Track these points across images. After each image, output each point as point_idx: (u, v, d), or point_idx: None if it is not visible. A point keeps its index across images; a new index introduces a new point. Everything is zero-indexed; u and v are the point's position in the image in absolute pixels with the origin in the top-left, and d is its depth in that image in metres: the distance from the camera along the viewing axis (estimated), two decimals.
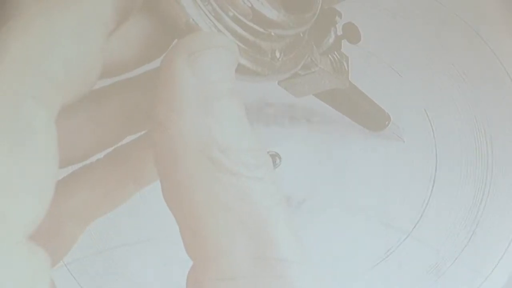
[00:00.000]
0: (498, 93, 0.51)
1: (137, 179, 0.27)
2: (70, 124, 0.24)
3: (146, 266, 0.47)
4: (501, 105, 0.51)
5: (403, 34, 0.53)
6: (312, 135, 0.51)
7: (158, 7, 0.24)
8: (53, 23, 0.21)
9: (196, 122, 0.22)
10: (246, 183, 0.22)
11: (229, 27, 0.25)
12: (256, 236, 0.22)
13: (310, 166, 0.50)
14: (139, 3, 0.24)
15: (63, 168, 0.25)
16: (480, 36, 0.53)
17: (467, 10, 0.54)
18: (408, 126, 0.51)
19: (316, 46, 0.32)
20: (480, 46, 0.53)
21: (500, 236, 0.47)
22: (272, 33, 0.26)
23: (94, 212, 0.27)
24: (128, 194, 0.27)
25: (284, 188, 0.49)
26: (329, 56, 0.36)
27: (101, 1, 0.22)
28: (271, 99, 0.50)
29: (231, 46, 0.24)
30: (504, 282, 0.46)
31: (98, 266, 0.47)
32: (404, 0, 0.54)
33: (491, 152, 0.50)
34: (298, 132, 0.51)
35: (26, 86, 0.20)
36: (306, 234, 0.48)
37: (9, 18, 0.21)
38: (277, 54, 0.27)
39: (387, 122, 0.48)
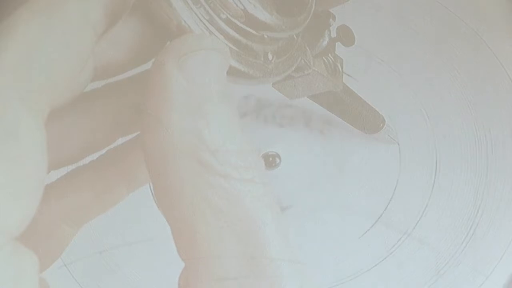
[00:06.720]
0: (498, 94, 0.51)
1: (129, 181, 0.27)
2: (63, 126, 0.25)
3: (146, 266, 0.47)
4: (501, 106, 0.51)
5: (403, 35, 0.53)
6: (312, 135, 0.51)
7: (150, 9, 0.24)
8: (41, 27, 0.21)
9: (186, 124, 0.22)
10: (236, 185, 0.22)
11: (222, 29, 0.25)
12: (246, 237, 0.22)
13: (310, 166, 0.50)
14: (129, 6, 0.24)
15: (56, 170, 0.25)
16: (480, 36, 0.53)
17: (467, 11, 0.54)
18: (408, 127, 0.51)
19: (310, 48, 0.32)
20: (480, 47, 0.53)
21: (500, 235, 0.47)
22: (265, 36, 0.26)
23: (87, 214, 0.27)
24: (120, 196, 0.27)
25: (283, 188, 0.49)
26: (323, 58, 0.36)
27: (89, 4, 0.23)
28: (270, 100, 0.50)
29: (221, 48, 0.24)
30: (505, 281, 0.46)
31: (98, 266, 0.47)
32: (404, 1, 0.54)
33: (491, 152, 0.50)
34: (298, 132, 0.51)
35: (13, 89, 0.20)
36: (306, 234, 0.48)
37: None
38: (270, 57, 0.27)
39: (381, 125, 0.48)
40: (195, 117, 0.22)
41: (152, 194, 0.47)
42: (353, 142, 0.50)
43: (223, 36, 0.25)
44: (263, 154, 0.50)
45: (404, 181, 0.49)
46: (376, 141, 0.50)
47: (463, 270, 0.46)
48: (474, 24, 0.53)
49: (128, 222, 0.48)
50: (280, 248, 0.22)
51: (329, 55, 0.36)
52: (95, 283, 0.47)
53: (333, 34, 0.37)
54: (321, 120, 0.50)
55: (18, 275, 0.20)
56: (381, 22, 0.54)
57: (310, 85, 0.36)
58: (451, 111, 0.51)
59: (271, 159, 0.50)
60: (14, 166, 0.20)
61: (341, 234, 0.48)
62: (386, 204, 0.49)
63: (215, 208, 0.22)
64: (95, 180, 0.26)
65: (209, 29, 0.25)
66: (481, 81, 0.52)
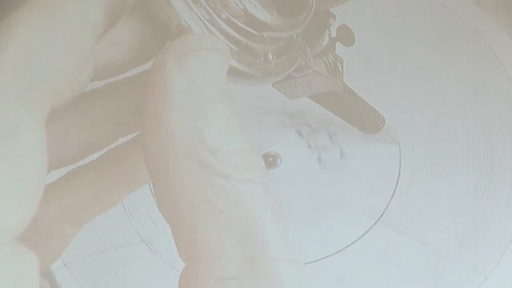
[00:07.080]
0: (498, 94, 0.51)
1: (129, 181, 0.27)
2: (63, 126, 0.25)
3: (145, 266, 0.47)
4: (501, 106, 0.51)
5: (403, 35, 0.53)
6: (312, 135, 0.51)
7: (150, 9, 0.24)
8: (41, 27, 0.21)
9: (186, 124, 0.22)
10: (236, 185, 0.22)
11: (222, 29, 0.25)
12: (246, 237, 0.22)
13: (310, 166, 0.50)
14: (129, 6, 0.24)
15: (56, 170, 0.25)
16: (480, 36, 0.53)
17: (467, 11, 0.54)
18: (408, 127, 0.51)
19: (310, 48, 0.32)
20: (480, 47, 0.53)
21: (500, 235, 0.47)
22: (265, 36, 0.26)
23: (87, 214, 0.27)
24: (120, 196, 0.27)
25: (284, 188, 0.49)
26: (324, 58, 0.36)
27: (89, 4, 0.23)
28: (271, 100, 0.50)
29: (221, 48, 0.24)
30: (505, 281, 0.46)
31: (98, 266, 0.47)
32: (404, 1, 0.54)
33: (491, 152, 0.50)
34: (298, 132, 0.51)
35: (13, 89, 0.20)
36: (305, 235, 0.48)
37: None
38: (270, 57, 0.27)
39: (382, 125, 0.48)
40: (195, 117, 0.22)
41: (152, 194, 0.47)
42: (353, 142, 0.50)
43: (223, 36, 0.25)
44: (263, 154, 0.50)
45: (404, 181, 0.49)
46: (376, 141, 0.50)
47: (463, 270, 0.46)
48: (474, 24, 0.53)
49: (128, 222, 0.48)
50: (280, 248, 0.22)
51: (329, 55, 0.36)
52: (95, 283, 0.47)
53: (333, 34, 0.37)
54: (321, 120, 0.50)
55: (18, 275, 0.20)
56: (381, 22, 0.54)
57: (310, 85, 0.36)
58: (451, 111, 0.51)
59: (271, 159, 0.50)
60: (14, 166, 0.20)
61: (341, 234, 0.48)
62: (386, 204, 0.49)
63: (215, 208, 0.22)
64: (95, 180, 0.26)
65: (209, 29, 0.25)
66: (481, 81, 0.52)
